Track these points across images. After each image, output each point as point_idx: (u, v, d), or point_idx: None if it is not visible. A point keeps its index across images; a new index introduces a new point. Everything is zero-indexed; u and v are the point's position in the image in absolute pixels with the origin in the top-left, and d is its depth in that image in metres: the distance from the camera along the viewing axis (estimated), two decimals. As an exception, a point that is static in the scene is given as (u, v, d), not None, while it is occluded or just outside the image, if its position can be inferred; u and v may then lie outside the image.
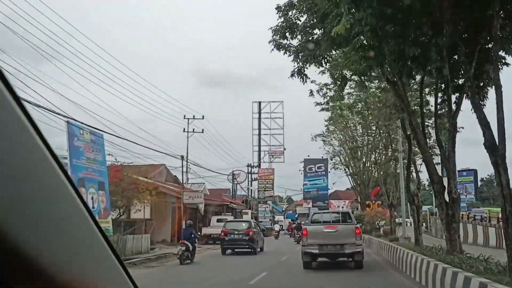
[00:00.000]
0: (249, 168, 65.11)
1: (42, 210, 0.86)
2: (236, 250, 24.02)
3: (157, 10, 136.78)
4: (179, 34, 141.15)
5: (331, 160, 47.29)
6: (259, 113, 63.01)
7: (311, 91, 20.11)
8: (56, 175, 0.90)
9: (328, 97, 20.88)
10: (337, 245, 14.90)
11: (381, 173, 27.83)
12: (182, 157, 28.07)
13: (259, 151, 62.77)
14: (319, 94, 20.12)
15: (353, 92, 24.80)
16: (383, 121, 22.97)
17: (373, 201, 36.35)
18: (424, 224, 56.85)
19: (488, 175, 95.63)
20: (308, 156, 66.22)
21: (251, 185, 63.86)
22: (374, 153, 31.04)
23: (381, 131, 24.51)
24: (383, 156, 26.38)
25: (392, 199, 25.81)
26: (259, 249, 24.43)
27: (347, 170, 43.26)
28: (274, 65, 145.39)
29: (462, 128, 17.38)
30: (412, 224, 19.63)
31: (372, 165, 28.39)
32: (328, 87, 20.95)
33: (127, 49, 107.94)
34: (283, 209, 78.65)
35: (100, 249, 1.11)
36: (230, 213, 42.69)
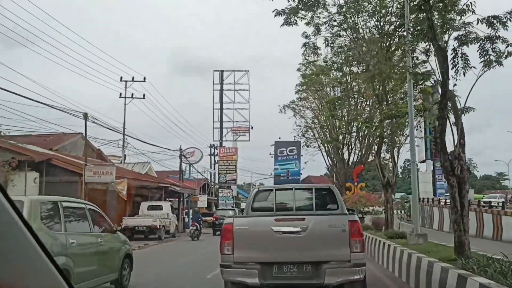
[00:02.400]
0: (212, 149, 56.97)
1: None
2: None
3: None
4: (155, 17, 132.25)
5: (303, 136, 39.75)
6: (221, 83, 54.29)
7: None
8: None
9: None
10: (305, 264, 6.61)
11: (375, 136, 19.65)
12: (85, 115, 19.39)
13: (221, 127, 54.21)
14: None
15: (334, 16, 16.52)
16: (382, 56, 14.80)
17: (355, 183, 28.47)
18: (400, 211, 49.87)
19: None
20: (280, 138, 59.66)
21: (214, 168, 55.64)
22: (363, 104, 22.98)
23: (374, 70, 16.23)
24: (377, 112, 18.29)
25: (388, 176, 17.77)
26: None
27: (322, 146, 35.59)
28: (254, 54, 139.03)
29: None
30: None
31: (361, 125, 20.28)
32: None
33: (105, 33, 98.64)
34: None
35: (30, 250, 1.13)
36: (176, 199, 34.19)
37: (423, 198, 42.02)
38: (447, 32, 10.24)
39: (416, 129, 22.49)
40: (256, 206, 7.96)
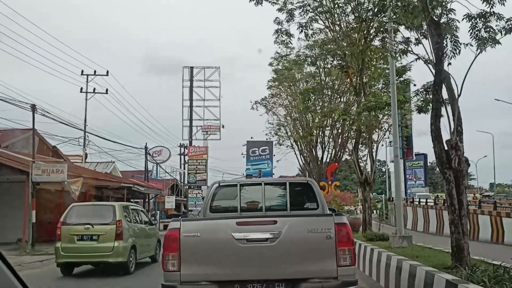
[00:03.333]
0: (182, 148, 55.12)
1: None
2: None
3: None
4: (129, 17, 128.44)
5: (276, 134, 38.68)
6: (191, 80, 52.34)
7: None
8: None
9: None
10: (277, 283, 5.07)
11: (353, 130, 18.33)
12: (33, 107, 17.41)
13: (191, 126, 52.16)
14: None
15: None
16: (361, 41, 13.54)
17: (329, 182, 27.31)
18: (372, 211, 49.14)
19: (430, 162, 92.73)
20: (252, 138, 58.53)
21: (183, 168, 53.79)
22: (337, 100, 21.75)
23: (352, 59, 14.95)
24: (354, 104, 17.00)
25: (366, 173, 16.53)
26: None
27: (294, 144, 34.45)
28: (227, 54, 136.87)
29: None
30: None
31: (339, 117, 18.89)
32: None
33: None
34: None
35: None
36: (141, 200, 32.30)
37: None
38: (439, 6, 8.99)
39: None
40: (216, 205, 6.61)
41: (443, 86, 8.01)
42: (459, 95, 7.83)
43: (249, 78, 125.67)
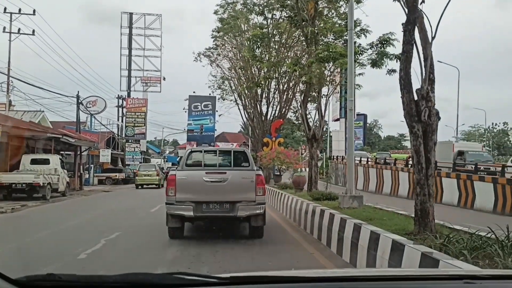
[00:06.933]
0: (120, 100, 52.20)
1: None
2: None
3: None
4: None
5: (219, 88, 37.01)
6: (130, 27, 49.07)
7: None
8: None
9: None
10: (225, 203, 9.16)
11: (302, 82, 17.07)
12: None
13: (129, 76, 49.43)
14: None
15: None
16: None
17: (273, 138, 26.40)
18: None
19: (368, 123, 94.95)
20: (194, 92, 56.75)
21: (122, 121, 51.20)
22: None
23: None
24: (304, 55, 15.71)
25: (315, 128, 15.58)
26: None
27: (238, 100, 33.16)
28: (171, 7, 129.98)
29: None
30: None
31: (291, 68, 17.53)
32: None
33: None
34: (161, 150, 66.75)
35: None
36: (72, 152, 30.00)
37: (337, 156, 41.36)
38: None
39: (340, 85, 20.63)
40: (189, 162, 9.92)
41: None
42: (433, 38, 6.77)
43: (194, 32, 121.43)
